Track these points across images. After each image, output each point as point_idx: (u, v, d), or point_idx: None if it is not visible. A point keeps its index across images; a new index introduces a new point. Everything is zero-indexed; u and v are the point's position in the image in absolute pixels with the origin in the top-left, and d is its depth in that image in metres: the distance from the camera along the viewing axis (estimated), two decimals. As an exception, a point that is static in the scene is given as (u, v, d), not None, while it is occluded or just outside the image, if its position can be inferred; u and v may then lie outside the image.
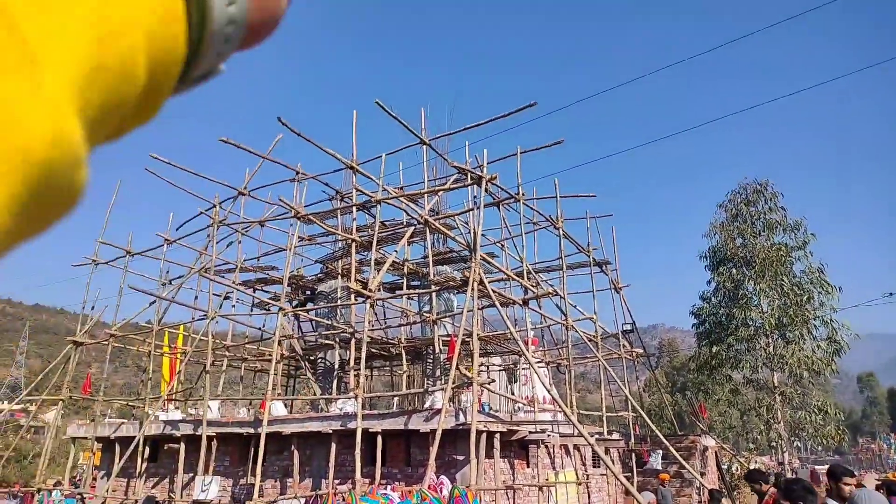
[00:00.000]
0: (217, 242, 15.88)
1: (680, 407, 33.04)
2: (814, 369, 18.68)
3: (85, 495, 13.67)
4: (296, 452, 11.32)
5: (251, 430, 11.73)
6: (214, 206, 15.25)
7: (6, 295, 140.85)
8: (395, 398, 16.33)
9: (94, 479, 14.32)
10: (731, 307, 20.44)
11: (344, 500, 6.70)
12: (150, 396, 14.19)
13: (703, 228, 22.64)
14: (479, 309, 15.36)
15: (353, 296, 13.07)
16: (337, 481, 10.65)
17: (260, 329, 17.71)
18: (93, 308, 15.83)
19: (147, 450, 13.12)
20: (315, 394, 15.62)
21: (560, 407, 10.39)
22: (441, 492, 8.04)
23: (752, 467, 20.87)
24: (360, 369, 11.44)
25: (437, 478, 8.76)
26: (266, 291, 18.69)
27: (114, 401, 17.58)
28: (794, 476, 15.57)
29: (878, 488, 9.34)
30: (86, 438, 14.27)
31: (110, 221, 16.18)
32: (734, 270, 20.92)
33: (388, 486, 8.51)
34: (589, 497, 14.00)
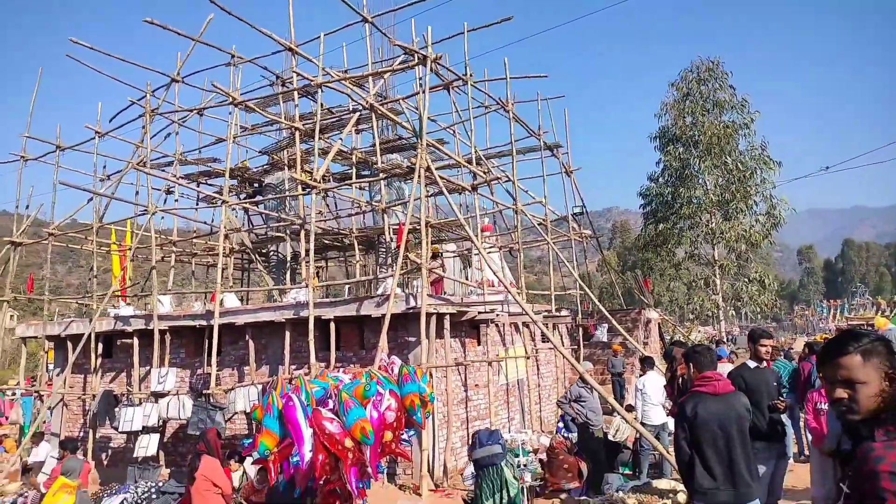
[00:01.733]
0: (153, 135, 15.11)
1: (630, 284, 34.49)
2: (751, 242, 19.58)
3: (42, 393, 13.80)
4: (251, 342, 11.48)
5: (203, 323, 11.78)
6: (146, 94, 14.33)
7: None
8: (347, 286, 16.53)
9: (50, 377, 14.38)
10: (677, 186, 20.90)
11: (291, 383, 6.87)
12: (97, 294, 13.99)
13: (657, 111, 22.60)
14: (428, 196, 15.33)
15: (300, 187, 12.79)
16: (293, 367, 10.93)
17: (207, 224, 17.35)
18: (27, 207, 15.16)
19: (101, 346, 13.12)
20: (268, 286, 15.66)
21: (506, 288, 10.67)
22: (392, 371, 8.31)
23: (692, 336, 22.35)
24: (310, 260, 11.42)
25: (389, 358, 9.03)
26: (211, 185, 18.15)
27: (61, 300, 17.29)
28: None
29: (805, 348, 10.13)
30: (36, 338, 14.15)
31: (35, 114, 15.16)
32: (682, 150, 21.19)
33: (342, 370, 8.75)
34: (538, 369, 14.81)
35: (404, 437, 7.36)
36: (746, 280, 20.35)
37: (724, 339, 18.36)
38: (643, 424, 9.03)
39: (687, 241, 20.97)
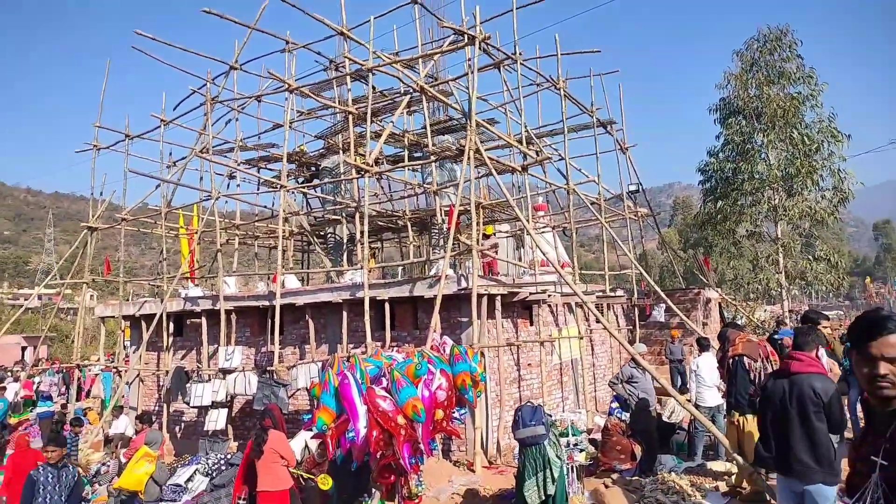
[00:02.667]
0: (214, 122, 15.69)
1: (691, 263, 33.61)
2: (816, 219, 18.71)
3: (120, 369, 14.74)
4: (310, 321, 11.91)
5: (266, 303, 12.29)
6: (206, 83, 14.88)
7: (24, 184, 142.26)
8: (400, 268, 16.81)
9: (128, 354, 15.33)
10: (738, 161, 20.11)
11: (347, 361, 7.14)
12: (166, 276, 14.76)
13: (719, 81, 21.67)
14: (479, 178, 15.37)
15: (353, 170, 13.07)
16: (351, 345, 11.31)
17: (268, 208, 17.93)
18: (101, 193, 16.09)
19: (172, 325, 13.88)
20: (326, 267, 16.12)
21: (556, 269, 10.65)
22: (444, 351, 8.50)
23: (756, 316, 21.67)
24: (364, 242, 11.71)
25: (441, 338, 9.23)
26: (270, 170, 18.71)
27: (134, 281, 18.28)
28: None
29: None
30: (113, 317, 15.08)
31: (105, 105, 15.98)
32: (744, 122, 20.35)
33: (395, 349, 9.01)
34: (593, 349, 14.75)
35: (456, 415, 7.56)
36: (811, 258, 19.50)
37: (786, 320, 17.73)
38: (697, 406, 8.93)
39: (748, 218, 20.20)
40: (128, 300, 15.61)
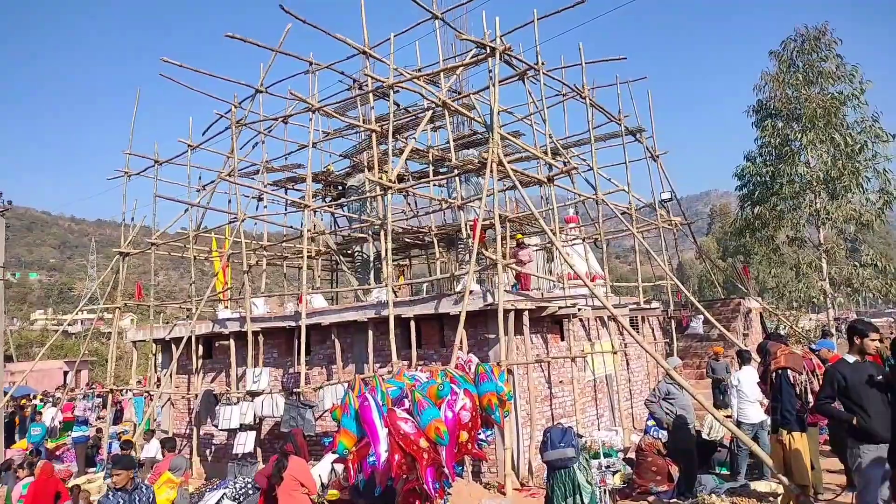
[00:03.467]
0: (243, 146, 15.85)
1: (730, 272, 32.68)
2: (861, 223, 17.87)
3: (152, 392, 14.83)
4: (336, 341, 11.77)
5: (293, 324, 12.21)
6: (232, 107, 15.03)
7: (69, 213, 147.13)
8: (424, 284, 16.61)
9: (159, 378, 15.42)
10: (776, 165, 19.40)
11: (366, 383, 6.93)
12: (195, 298, 14.83)
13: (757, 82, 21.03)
14: (503, 191, 15.12)
15: (377, 187, 12.97)
16: (377, 365, 11.12)
17: (296, 229, 17.97)
18: (132, 219, 16.34)
19: (201, 348, 13.91)
20: (352, 286, 16.02)
21: (584, 282, 10.31)
22: (469, 369, 8.24)
23: (801, 325, 20.80)
24: (389, 260, 11.55)
25: (467, 356, 8.97)
26: (298, 190, 18.79)
27: (166, 304, 18.49)
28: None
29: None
30: (144, 341, 15.22)
31: (136, 131, 16.27)
32: (781, 124, 19.65)
33: (420, 368, 8.79)
34: (628, 364, 14.27)
35: (481, 437, 7.26)
36: (857, 264, 18.61)
37: (830, 330, 16.91)
38: (739, 423, 8.46)
39: (788, 223, 19.40)
40: (167, 323, 15.73)
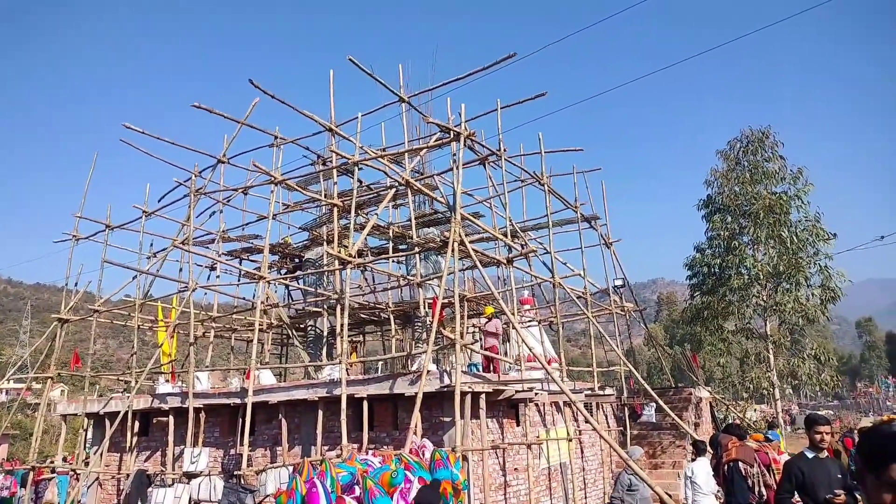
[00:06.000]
0: (200, 214, 15.58)
1: (678, 359, 33.16)
2: (807, 317, 18.59)
3: (78, 471, 13.73)
4: (283, 421, 11.25)
5: (238, 401, 11.65)
6: (192, 176, 14.89)
7: (6, 275, 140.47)
8: (380, 362, 16.25)
9: (87, 455, 14.35)
10: (724, 257, 20.23)
11: (314, 467, 6.58)
12: (135, 370, 14.08)
13: (706, 177, 22.28)
14: (463, 270, 15.18)
15: (336, 262, 12.84)
16: (326, 447, 10.61)
17: (248, 300, 17.55)
18: (76, 284, 15.64)
19: (137, 424, 13.08)
20: (303, 362, 15.54)
21: (543, 366, 10.25)
22: (423, 455, 7.94)
23: (748, 415, 21.02)
24: (344, 336, 11.28)
25: (421, 441, 8.67)
26: (253, 261, 18.48)
27: (102, 375, 17.49)
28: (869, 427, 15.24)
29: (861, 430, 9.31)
30: (76, 415, 14.24)
31: (88, 195, 15.86)
32: (729, 219, 20.66)
33: (371, 452, 8.41)
34: (582, 452, 14.03)
35: (435, 528, 6.92)
36: (802, 357, 19.22)
37: (778, 422, 17.15)
38: (695, 516, 8.31)
39: (736, 314, 20.07)
40: (99, 396, 14.81)
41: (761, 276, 19.33)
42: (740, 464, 8.09)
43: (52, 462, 15.92)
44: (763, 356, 19.33)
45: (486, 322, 12.83)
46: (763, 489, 8.18)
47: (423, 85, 14.31)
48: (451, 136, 11.91)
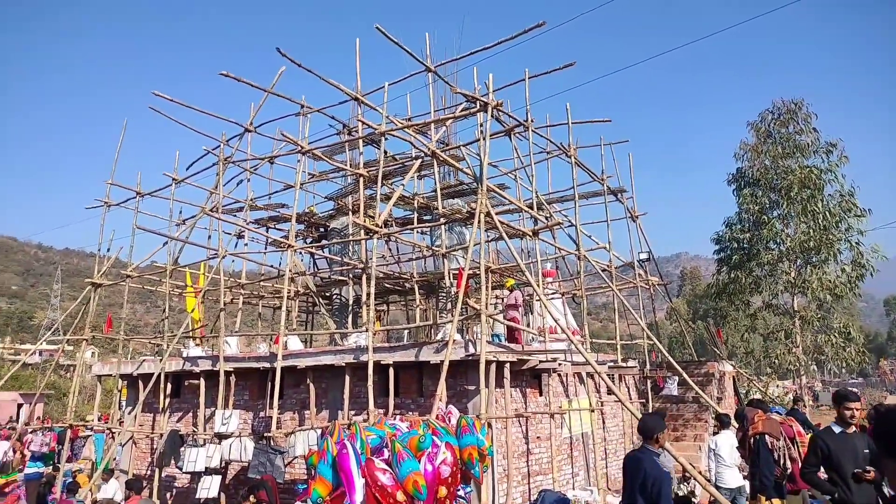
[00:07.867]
0: (227, 182, 15.76)
1: (700, 333, 33.00)
2: (836, 293, 18.33)
3: (114, 430, 14.24)
4: (311, 386, 11.51)
5: (267, 365, 11.92)
6: (220, 144, 15.04)
7: (36, 240, 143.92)
8: (406, 331, 16.45)
9: (122, 415, 14.86)
10: (754, 232, 19.92)
11: (349, 429, 6.76)
12: (167, 334, 14.46)
13: (735, 150, 21.83)
14: (488, 241, 15.20)
15: (362, 231, 12.96)
16: (352, 412, 10.84)
17: (275, 268, 17.80)
18: (108, 250, 16.02)
19: (170, 386, 13.48)
20: (329, 329, 15.80)
21: (567, 336, 10.31)
22: (449, 421, 8.11)
23: (770, 391, 20.96)
24: (370, 305, 11.43)
25: (446, 407, 8.83)
26: (279, 230, 18.69)
27: (135, 339, 17.97)
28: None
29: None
30: (110, 376, 14.70)
31: (119, 162, 16.12)
32: (759, 193, 20.28)
33: (398, 417, 8.60)
34: (604, 423, 14.16)
35: (460, 493, 7.10)
36: (829, 333, 18.98)
37: (801, 396, 17.05)
38: (717, 487, 8.39)
39: (765, 290, 19.81)
40: (129, 359, 15.26)
41: (791, 252, 19.04)
42: (767, 437, 8.10)
43: (87, 421, 16.52)
44: (790, 332, 19.16)
45: (508, 294, 12.89)
46: (788, 462, 8.23)
47: (450, 53, 14.21)
48: (479, 106, 11.83)
